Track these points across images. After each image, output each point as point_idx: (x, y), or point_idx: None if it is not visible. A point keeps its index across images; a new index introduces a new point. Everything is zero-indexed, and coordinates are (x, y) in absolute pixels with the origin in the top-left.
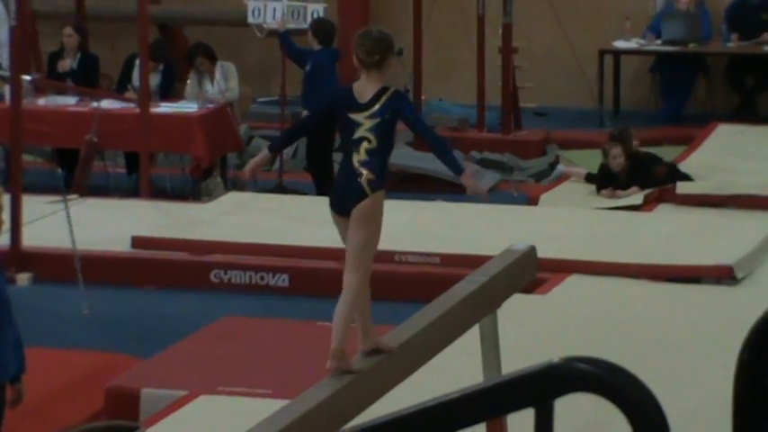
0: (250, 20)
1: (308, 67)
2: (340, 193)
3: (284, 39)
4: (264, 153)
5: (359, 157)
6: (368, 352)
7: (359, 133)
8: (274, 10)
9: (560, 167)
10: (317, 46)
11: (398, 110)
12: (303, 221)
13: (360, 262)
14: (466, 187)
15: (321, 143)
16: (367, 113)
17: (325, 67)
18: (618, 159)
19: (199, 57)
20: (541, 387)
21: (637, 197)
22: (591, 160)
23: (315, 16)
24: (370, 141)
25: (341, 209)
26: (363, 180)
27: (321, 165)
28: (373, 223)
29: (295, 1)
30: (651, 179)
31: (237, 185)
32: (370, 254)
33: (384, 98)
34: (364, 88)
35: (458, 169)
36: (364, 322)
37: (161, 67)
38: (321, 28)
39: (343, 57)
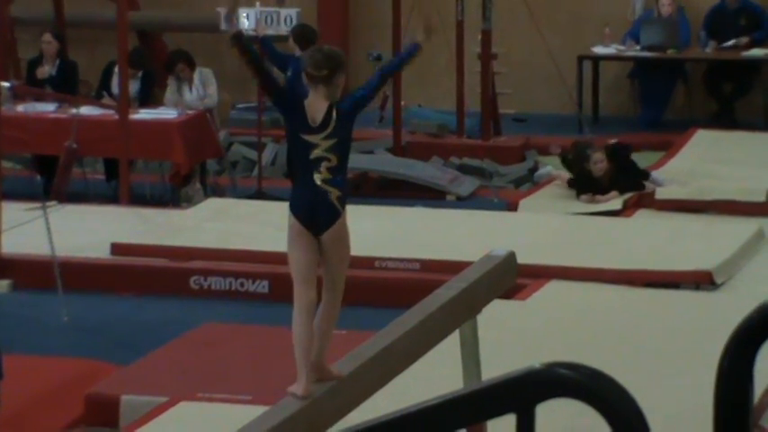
0: (223, 27)
1: (288, 73)
2: (310, 208)
3: (265, 44)
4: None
5: (321, 176)
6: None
7: (316, 153)
8: (247, 16)
9: (548, 168)
10: (298, 52)
11: (357, 105)
12: (283, 228)
13: (339, 280)
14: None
15: None
16: (322, 135)
17: None
18: (600, 164)
19: (179, 64)
20: (522, 393)
21: (616, 202)
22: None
23: (288, 21)
24: (330, 160)
25: (314, 227)
26: (334, 198)
27: None
28: (347, 240)
29: (268, 6)
30: (632, 180)
31: (217, 192)
32: (346, 270)
33: (335, 116)
34: (315, 108)
35: (414, 48)
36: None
37: (140, 73)
38: (302, 33)
39: None
